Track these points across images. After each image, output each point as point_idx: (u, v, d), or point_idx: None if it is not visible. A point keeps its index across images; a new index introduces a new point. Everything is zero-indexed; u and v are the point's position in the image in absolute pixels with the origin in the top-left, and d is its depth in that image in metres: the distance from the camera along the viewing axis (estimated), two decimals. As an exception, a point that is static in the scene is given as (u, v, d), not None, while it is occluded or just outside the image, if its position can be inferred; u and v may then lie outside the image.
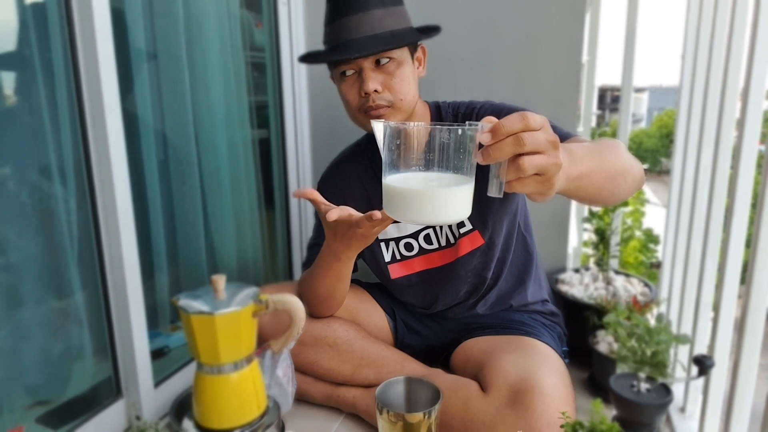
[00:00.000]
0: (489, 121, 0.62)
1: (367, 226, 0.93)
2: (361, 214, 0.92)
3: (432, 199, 0.66)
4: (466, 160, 0.65)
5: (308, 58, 1.14)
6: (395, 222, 0.99)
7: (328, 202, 0.98)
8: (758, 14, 0.92)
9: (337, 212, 0.92)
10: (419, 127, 0.66)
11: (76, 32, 1.02)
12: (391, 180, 0.68)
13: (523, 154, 0.61)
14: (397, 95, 1.07)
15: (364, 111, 1.08)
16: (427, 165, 0.66)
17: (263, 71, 1.70)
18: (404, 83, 1.07)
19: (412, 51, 1.11)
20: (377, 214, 0.88)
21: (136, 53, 1.22)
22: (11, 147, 0.99)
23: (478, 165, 0.65)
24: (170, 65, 1.31)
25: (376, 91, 1.05)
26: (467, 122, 0.64)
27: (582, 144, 0.82)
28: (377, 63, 1.06)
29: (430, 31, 1.10)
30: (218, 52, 1.44)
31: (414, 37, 1.08)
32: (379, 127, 0.68)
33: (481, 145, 0.62)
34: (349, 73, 1.07)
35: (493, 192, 0.65)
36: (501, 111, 1.11)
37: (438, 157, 0.65)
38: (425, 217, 0.67)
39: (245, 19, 1.59)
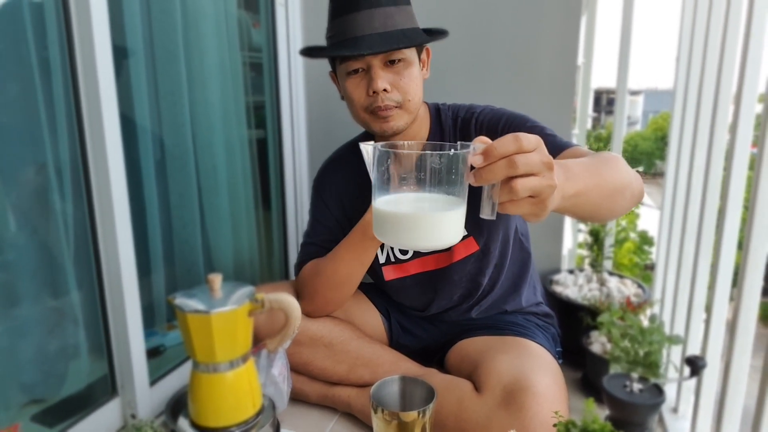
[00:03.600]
0: (482, 141, 0.61)
1: None
2: None
3: (424, 224, 0.63)
4: (458, 182, 0.63)
5: (311, 52, 1.11)
6: None
7: None
8: (751, 19, 0.93)
9: None
10: (410, 149, 0.64)
11: (74, 31, 1.02)
12: (381, 202, 0.65)
13: (516, 177, 0.59)
14: (406, 95, 1.06)
15: (371, 111, 1.07)
16: (419, 186, 0.64)
17: (260, 71, 1.71)
18: (412, 83, 1.07)
19: (419, 52, 1.11)
20: None
21: (133, 53, 1.22)
22: (8, 145, 0.99)
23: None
24: (167, 65, 1.31)
25: (385, 90, 1.03)
26: (459, 143, 0.62)
27: (579, 160, 0.80)
28: (387, 62, 1.04)
29: (439, 33, 1.09)
30: (215, 52, 1.45)
31: (424, 39, 1.07)
32: (368, 149, 0.66)
33: (473, 167, 0.61)
34: (356, 70, 1.05)
35: (485, 214, 0.63)
36: (501, 117, 1.11)
37: (429, 178, 0.63)
38: (417, 242, 0.64)
39: (243, 20, 1.60)
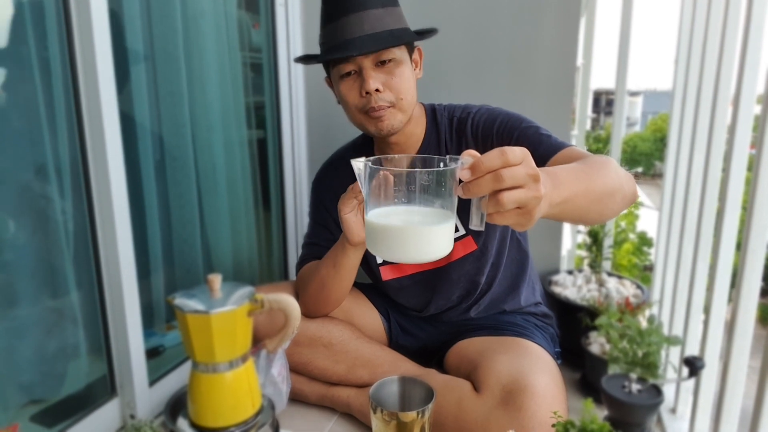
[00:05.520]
0: (470, 155, 0.63)
1: None
2: None
3: (415, 237, 0.65)
4: (447, 195, 0.65)
5: (306, 59, 1.13)
6: None
7: None
8: (749, 21, 0.93)
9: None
10: (400, 161, 0.66)
11: (74, 32, 1.02)
12: (372, 216, 0.67)
13: (502, 190, 0.61)
14: (398, 94, 1.07)
15: (365, 112, 1.08)
16: (409, 199, 0.66)
17: (260, 72, 1.71)
18: (404, 82, 1.07)
19: (410, 52, 1.12)
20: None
21: (133, 53, 1.22)
22: (8, 146, 0.99)
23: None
24: (167, 65, 1.31)
25: (377, 90, 1.04)
26: (448, 156, 0.64)
27: (568, 166, 0.80)
28: (377, 63, 1.05)
29: (428, 32, 1.10)
30: (215, 52, 1.45)
31: (413, 37, 1.08)
32: (359, 166, 0.67)
33: (461, 180, 0.62)
34: (348, 73, 1.07)
35: (474, 224, 0.65)
36: (496, 118, 1.11)
37: (419, 192, 0.65)
38: (407, 254, 0.66)
39: (243, 20, 1.60)
